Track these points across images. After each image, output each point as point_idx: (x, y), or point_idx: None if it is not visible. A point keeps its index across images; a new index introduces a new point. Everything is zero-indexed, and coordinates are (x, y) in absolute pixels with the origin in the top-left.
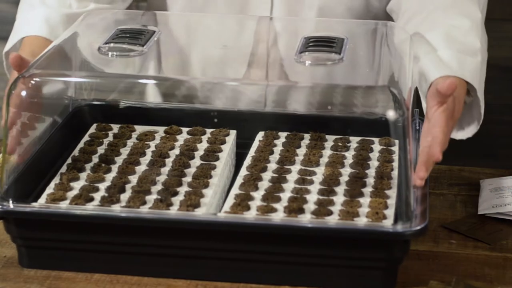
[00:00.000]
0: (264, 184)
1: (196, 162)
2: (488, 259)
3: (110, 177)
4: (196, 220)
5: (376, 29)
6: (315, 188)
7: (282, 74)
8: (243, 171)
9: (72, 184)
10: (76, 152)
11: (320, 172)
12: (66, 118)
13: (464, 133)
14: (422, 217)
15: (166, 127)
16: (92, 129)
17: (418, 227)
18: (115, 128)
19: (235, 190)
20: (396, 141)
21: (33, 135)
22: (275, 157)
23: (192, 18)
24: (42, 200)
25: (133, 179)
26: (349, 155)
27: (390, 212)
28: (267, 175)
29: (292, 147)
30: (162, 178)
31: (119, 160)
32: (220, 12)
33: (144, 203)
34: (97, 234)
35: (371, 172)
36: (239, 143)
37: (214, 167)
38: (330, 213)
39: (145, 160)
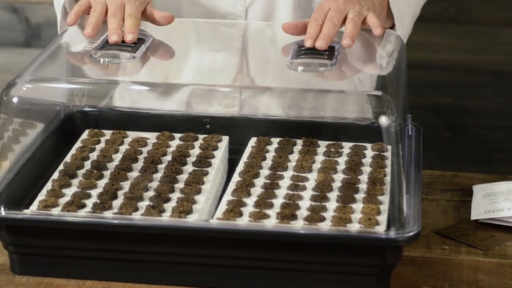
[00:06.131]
0: (257, 190)
1: (188, 168)
2: (481, 265)
3: (102, 183)
4: (188, 227)
5: (368, 35)
6: (307, 194)
7: (274, 79)
8: (236, 177)
9: (64, 190)
10: (68, 158)
11: (312, 178)
12: (58, 124)
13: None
14: (415, 223)
15: (158, 133)
16: (84, 135)
17: (411, 233)
18: (107, 134)
19: (227, 196)
20: (389, 147)
21: (25, 141)
22: (267, 163)
23: (184, 24)
24: (34, 206)
25: (125, 186)
26: (342, 161)
27: (382, 218)
28: (260, 181)
29: (284, 153)
30: (154, 184)
31: (111, 167)
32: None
33: (136, 209)
34: (89, 241)
35: (364, 178)
36: (232, 149)
37: (206, 173)
38: (322, 219)
39: (137, 167)
